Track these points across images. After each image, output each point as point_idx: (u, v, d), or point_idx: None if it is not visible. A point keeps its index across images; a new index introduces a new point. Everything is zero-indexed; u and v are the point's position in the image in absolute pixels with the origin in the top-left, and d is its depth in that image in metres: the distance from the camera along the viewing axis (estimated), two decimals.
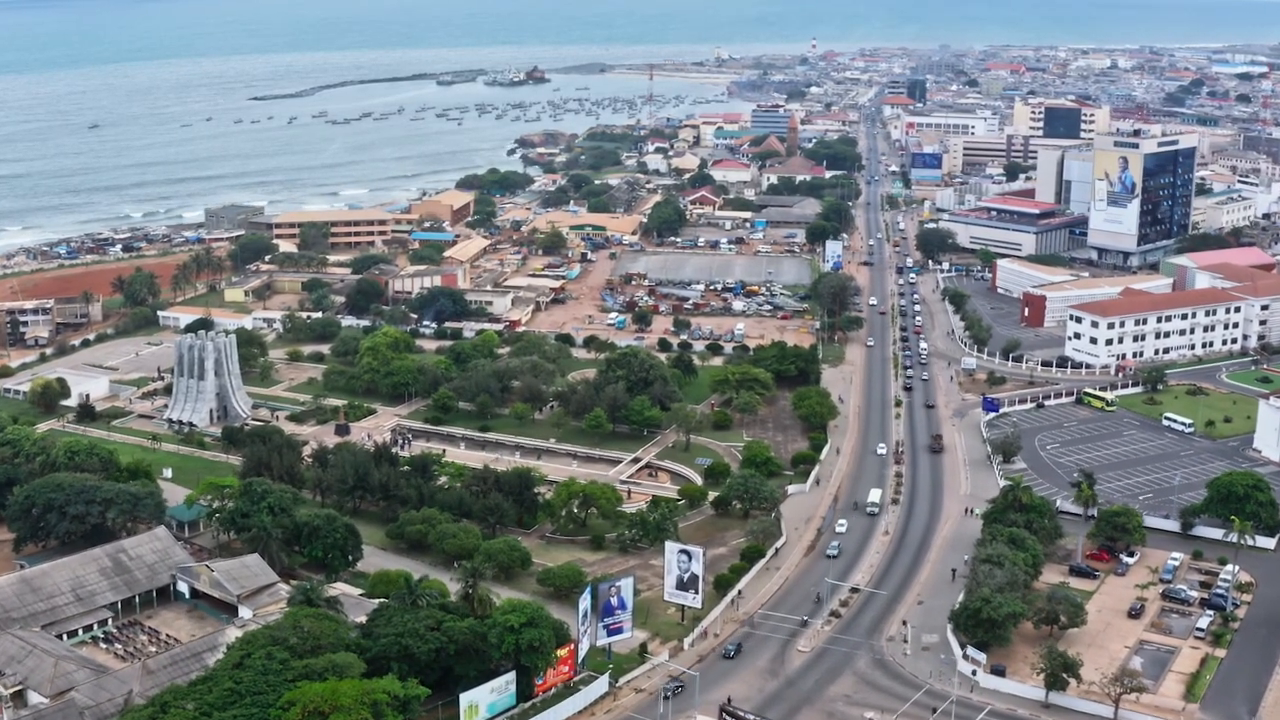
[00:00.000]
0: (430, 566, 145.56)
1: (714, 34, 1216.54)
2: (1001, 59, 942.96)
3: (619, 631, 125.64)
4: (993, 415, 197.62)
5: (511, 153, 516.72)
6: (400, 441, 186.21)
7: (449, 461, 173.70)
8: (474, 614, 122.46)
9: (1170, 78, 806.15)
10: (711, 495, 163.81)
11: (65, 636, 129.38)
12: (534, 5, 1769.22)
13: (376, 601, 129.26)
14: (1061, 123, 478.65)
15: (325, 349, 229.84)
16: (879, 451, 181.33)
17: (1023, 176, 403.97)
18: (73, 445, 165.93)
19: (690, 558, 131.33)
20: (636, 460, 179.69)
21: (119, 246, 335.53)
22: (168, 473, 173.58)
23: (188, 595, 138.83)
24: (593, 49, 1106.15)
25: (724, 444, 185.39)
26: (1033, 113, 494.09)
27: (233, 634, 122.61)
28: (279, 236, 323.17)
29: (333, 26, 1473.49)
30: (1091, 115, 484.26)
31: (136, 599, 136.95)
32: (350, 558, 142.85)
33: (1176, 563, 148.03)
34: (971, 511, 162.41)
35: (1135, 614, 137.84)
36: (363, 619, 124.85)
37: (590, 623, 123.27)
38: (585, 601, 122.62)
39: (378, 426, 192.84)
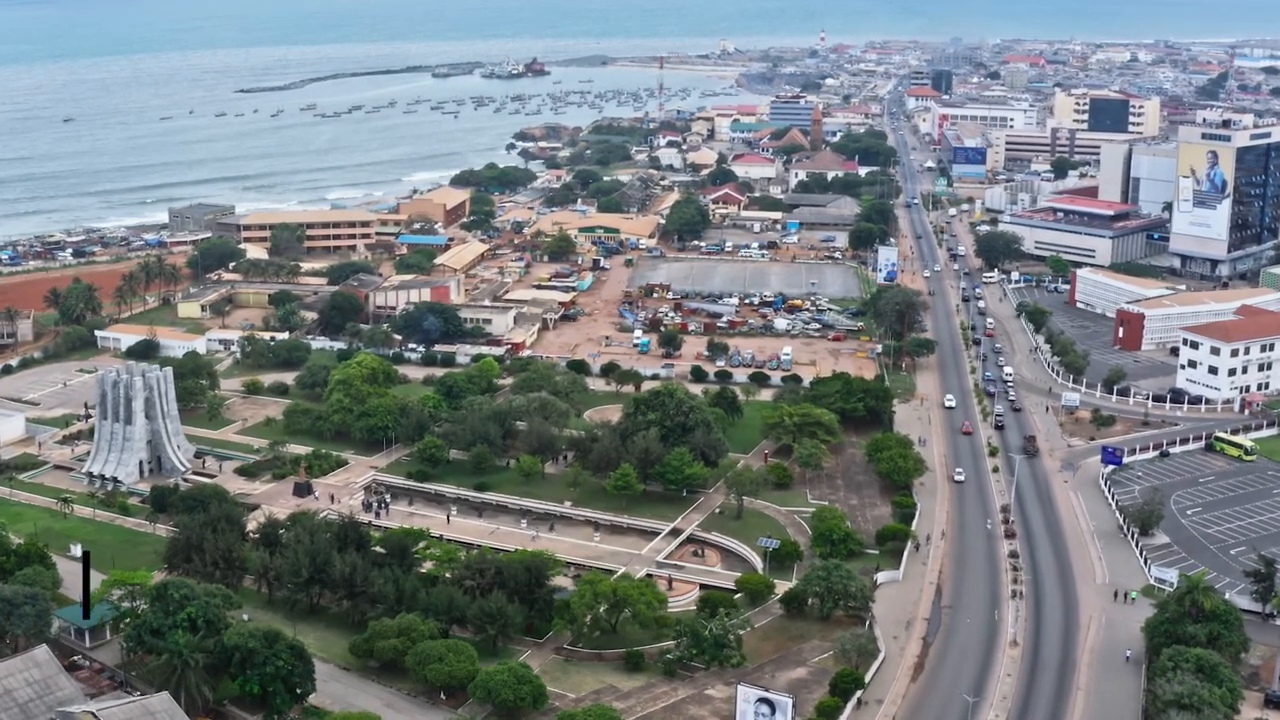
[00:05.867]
0: (408, 699, 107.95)
1: (714, 28, 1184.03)
2: (1016, 52, 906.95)
3: None
4: (1113, 468, 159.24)
5: (511, 147, 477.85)
6: (376, 505, 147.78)
7: (435, 538, 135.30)
8: None
9: (1195, 71, 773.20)
10: (780, 586, 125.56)
11: None
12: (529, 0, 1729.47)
13: None
14: (1108, 115, 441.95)
15: (291, 378, 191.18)
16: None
17: (1075, 173, 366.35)
18: None
19: (774, 710, 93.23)
20: (677, 532, 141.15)
21: (69, 251, 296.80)
22: (76, 550, 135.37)
23: None
24: (589, 42, 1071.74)
25: (784, 508, 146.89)
26: (1077, 104, 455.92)
27: None
28: (247, 240, 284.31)
29: (322, 21, 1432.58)
30: (1140, 107, 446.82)
31: None
32: (299, 690, 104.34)
33: None
34: (1128, 597, 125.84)
35: None
36: None
37: None
38: None
39: (347, 484, 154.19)
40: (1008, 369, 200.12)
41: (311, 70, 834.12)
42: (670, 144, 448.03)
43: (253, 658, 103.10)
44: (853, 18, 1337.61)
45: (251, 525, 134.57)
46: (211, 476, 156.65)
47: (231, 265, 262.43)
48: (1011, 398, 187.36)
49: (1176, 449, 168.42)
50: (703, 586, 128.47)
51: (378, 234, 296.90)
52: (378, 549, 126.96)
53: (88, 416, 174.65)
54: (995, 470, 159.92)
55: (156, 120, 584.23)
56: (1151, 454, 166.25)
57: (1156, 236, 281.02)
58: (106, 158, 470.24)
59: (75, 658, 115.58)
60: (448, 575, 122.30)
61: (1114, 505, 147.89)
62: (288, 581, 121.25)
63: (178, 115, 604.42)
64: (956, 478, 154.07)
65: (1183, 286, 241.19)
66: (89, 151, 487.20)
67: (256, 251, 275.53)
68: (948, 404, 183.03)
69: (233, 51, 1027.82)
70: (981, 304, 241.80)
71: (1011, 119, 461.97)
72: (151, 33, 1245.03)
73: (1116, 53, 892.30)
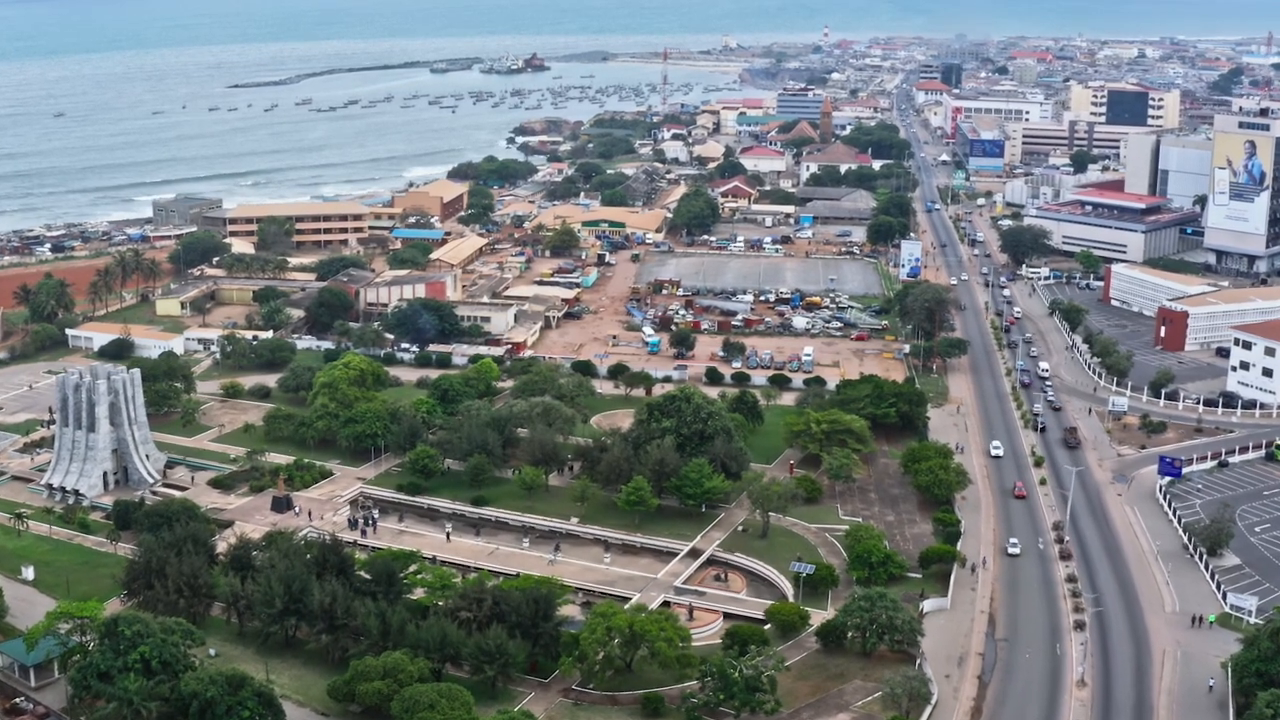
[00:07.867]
0: None
1: (715, 24, 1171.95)
2: (1022, 48, 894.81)
3: None
4: (1170, 480, 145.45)
5: (510, 141, 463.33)
6: (362, 522, 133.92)
7: (427, 560, 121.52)
8: None
9: (1204, 67, 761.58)
10: (814, 616, 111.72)
11: None
12: None
13: None
14: (1126, 108, 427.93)
15: (274, 381, 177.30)
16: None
17: (1096, 166, 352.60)
18: None
19: None
20: (696, 553, 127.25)
21: (47, 246, 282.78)
22: (28, 572, 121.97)
23: None
24: (589, 38, 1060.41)
25: (814, 526, 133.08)
26: (1094, 97, 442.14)
27: None
28: (233, 234, 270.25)
29: (318, 17, 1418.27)
30: (1160, 100, 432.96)
31: None
32: None
33: None
34: (1206, 622, 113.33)
35: None
36: None
37: None
38: None
39: (331, 497, 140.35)
40: (1043, 364, 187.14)
41: (307, 66, 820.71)
42: (675, 137, 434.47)
43: (214, 707, 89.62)
44: (854, 15, 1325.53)
45: (222, 546, 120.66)
46: (183, 489, 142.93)
47: (215, 260, 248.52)
48: (1050, 398, 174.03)
49: (1235, 458, 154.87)
50: (728, 616, 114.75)
51: (371, 228, 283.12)
52: (362, 573, 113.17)
53: (52, 422, 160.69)
54: (1043, 483, 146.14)
55: (148, 115, 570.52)
56: (1209, 464, 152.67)
57: (1190, 231, 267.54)
58: (96, 153, 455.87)
59: (18, 699, 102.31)
60: (440, 605, 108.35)
61: (1177, 522, 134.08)
62: (260, 612, 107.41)
63: (170, 110, 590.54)
64: (1010, 550, 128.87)
65: (1225, 284, 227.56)
66: (79, 147, 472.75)
67: (243, 246, 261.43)
68: (994, 452, 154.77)
69: (227, 47, 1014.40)
70: (1006, 293, 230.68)
71: (1027, 112, 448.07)
72: (145, 29, 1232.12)
73: (1124, 49, 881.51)
